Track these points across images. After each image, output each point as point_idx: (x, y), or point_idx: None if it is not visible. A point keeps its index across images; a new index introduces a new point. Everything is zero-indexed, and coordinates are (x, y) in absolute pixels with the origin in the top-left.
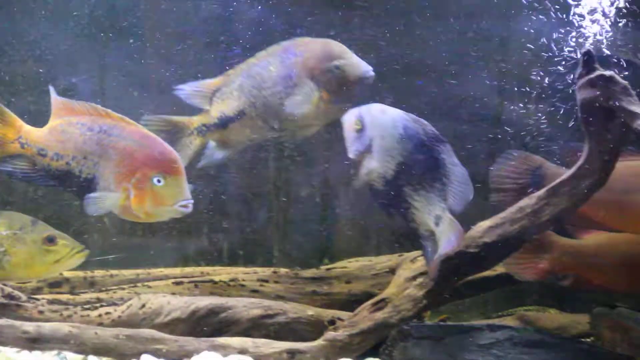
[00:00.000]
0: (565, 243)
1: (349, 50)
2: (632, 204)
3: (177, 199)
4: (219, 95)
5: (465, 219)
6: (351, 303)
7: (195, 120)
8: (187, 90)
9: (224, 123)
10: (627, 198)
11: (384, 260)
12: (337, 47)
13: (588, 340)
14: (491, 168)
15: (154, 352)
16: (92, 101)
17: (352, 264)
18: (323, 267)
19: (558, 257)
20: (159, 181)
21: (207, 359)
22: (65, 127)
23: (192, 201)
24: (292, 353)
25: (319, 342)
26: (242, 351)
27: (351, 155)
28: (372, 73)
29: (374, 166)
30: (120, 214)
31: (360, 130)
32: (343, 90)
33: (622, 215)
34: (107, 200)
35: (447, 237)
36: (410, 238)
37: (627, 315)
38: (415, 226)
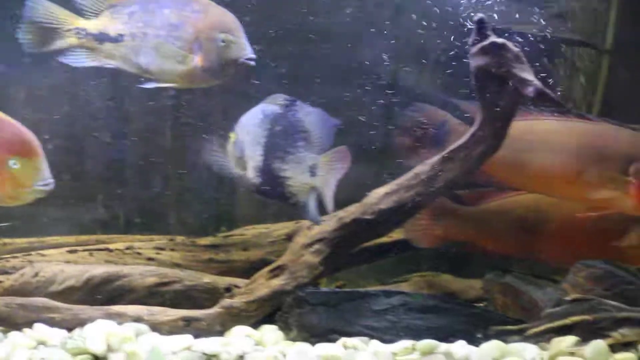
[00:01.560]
0: (459, 210)
1: (241, 30)
2: (530, 163)
3: (35, 180)
4: (112, 11)
5: (362, 186)
6: (248, 270)
7: (79, 22)
8: None
9: (101, 38)
10: (526, 157)
11: (281, 228)
12: (231, 22)
13: (481, 304)
14: (399, 119)
15: (47, 321)
16: None
17: (249, 232)
18: (220, 235)
19: (452, 223)
20: (15, 164)
21: (101, 327)
22: None
23: (51, 180)
24: (187, 320)
25: (215, 309)
26: (137, 319)
27: (236, 169)
28: (252, 60)
29: (251, 163)
30: None
31: (235, 140)
32: (219, 65)
33: (521, 174)
34: None
35: (332, 171)
36: None
37: (518, 280)
38: (296, 200)
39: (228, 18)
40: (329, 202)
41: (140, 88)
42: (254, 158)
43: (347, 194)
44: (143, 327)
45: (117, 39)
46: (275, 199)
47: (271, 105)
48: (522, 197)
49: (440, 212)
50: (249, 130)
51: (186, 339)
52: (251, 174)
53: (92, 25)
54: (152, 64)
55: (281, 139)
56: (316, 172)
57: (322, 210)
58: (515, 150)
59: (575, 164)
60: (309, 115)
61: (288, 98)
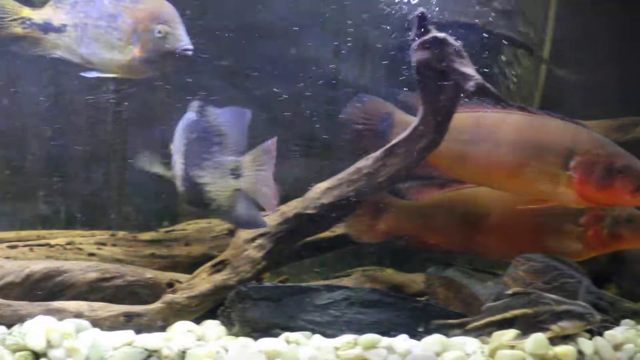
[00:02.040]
0: (401, 204)
1: (179, 21)
2: (473, 155)
3: None
4: (56, 1)
5: (304, 181)
6: (190, 265)
7: (26, 11)
8: None
9: (45, 28)
10: (470, 149)
11: (222, 223)
12: (169, 13)
13: (423, 298)
14: (344, 109)
15: None
16: None
17: (191, 227)
18: (162, 230)
19: (394, 218)
20: None
21: (41, 324)
22: None
23: None
24: (129, 316)
25: (157, 304)
26: (78, 315)
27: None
28: (189, 52)
29: (176, 173)
30: None
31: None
32: (157, 56)
33: (464, 166)
34: None
35: (261, 169)
36: None
37: (460, 274)
38: (217, 205)
39: (166, 9)
40: (269, 200)
41: (81, 82)
42: (177, 168)
43: (290, 189)
44: (84, 323)
45: (60, 29)
46: (199, 207)
47: (190, 113)
48: (463, 191)
49: (381, 207)
50: (174, 141)
51: (127, 334)
52: (177, 183)
53: (37, 15)
54: (93, 54)
55: (196, 146)
56: (240, 174)
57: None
58: (458, 142)
59: (517, 157)
60: (222, 118)
61: (200, 104)
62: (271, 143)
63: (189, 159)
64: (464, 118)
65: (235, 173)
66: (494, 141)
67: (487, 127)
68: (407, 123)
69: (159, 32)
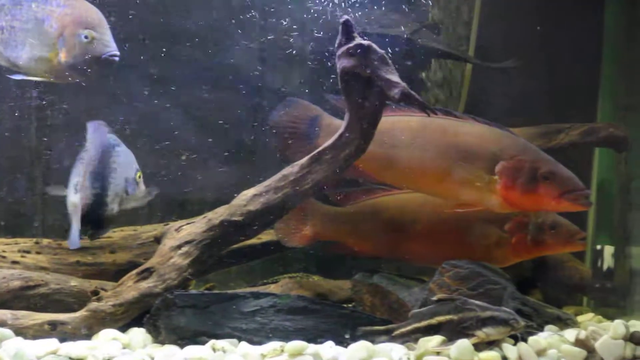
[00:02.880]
0: (327, 210)
1: (106, 26)
2: (399, 159)
3: None
4: None
5: (232, 188)
6: (116, 273)
7: None
8: None
9: None
10: (395, 153)
11: (149, 230)
12: (96, 18)
13: (350, 305)
14: (272, 113)
15: None
16: None
17: (116, 234)
18: (87, 237)
19: (320, 223)
20: None
21: None
22: None
23: None
24: (53, 324)
25: (82, 312)
26: (1, 323)
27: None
28: (116, 57)
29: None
30: None
31: None
32: (83, 61)
33: (390, 170)
34: None
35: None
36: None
37: (386, 281)
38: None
39: (93, 14)
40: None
41: (4, 89)
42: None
43: (216, 196)
44: (7, 331)
45: None
46: None
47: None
48: (390, 197)
49: (308, 212)
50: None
51: (52, 343)
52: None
53: None
54: (19, 57)
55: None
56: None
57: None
58: (385, 145)
59: (443, 161)
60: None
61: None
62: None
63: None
64: (390, 122)
65: (76, 188)
66: (420, 145)
67: (413, 131)
68: (333, 126)
69: (86, 37)
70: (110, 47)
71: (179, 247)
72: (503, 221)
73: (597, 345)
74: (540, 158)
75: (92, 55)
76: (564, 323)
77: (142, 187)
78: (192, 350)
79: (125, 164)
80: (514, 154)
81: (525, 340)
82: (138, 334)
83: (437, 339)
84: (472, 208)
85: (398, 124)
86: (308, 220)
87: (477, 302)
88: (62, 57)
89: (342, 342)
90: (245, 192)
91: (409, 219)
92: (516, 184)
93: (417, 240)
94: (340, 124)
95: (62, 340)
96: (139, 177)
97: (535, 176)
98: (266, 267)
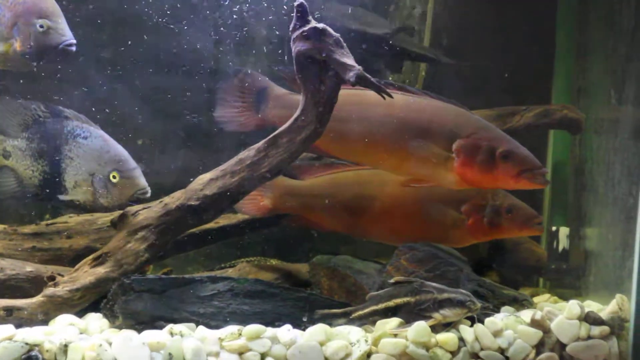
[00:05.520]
0: (287, 183)
1: (61, 15)
2: (350, 133)
3: None
4: None
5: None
6: (73, 259)
7: None
8: None
9: None
10: (346, 127)
11: (106, 215)
12: (51, 7)
13: (308, 289)
14: (220, 83)
15: None
16: None
17: (73, 219)
18: (43, 223)
19: (279, 195)
20: None
21: None
22: None
23: None
24: (9, 310)
25: (38, 298)
26: None
27: None
28: (73, 47)
29: None
30: None
31: None
32: (39, 50)
33: (342, 144)
34: None
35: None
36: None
37: (344, 263)
38: None
39: (47, 3)
40: None
41: None
42: None
43: (173, 180)
44: None
45: None
46: None
47: None
48: (350, 173)
49: (268, 184)
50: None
51: (8, 328)
52: None
53: None
54: None
55: None
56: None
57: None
58: (339, 120)
59: (400, 137)
60: None
61: None
62: None
63: None
64: (344, 96)
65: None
66: (375, 120)
67: (367, 106)
68: (282, 97)
69: (41, 26)
70: (66, 36)
71: (136, 232)
72: (460, 202)
73: (553, 325)
74: (498, 136)
75: (48, 44)
76: (520, 304)
77: (117, 192)
78: (149, 335)
79: (89, 158)
80: (471, 132)
81: (482, 322)
82: (95, 319)
83: (394, 321)
84: (427, 184)
85: (351, 98)
86: (268, 192)
87: (434, 284)
88: (17, 47)
89: (300, 326)
90: (201, 176)
91: (366, 195)
92: (473, 162)
93: (375, 217)
94: (290, 97)
95: (18, 326)
96: (113, 177)
97: (493, 154)
98: (224, 251)
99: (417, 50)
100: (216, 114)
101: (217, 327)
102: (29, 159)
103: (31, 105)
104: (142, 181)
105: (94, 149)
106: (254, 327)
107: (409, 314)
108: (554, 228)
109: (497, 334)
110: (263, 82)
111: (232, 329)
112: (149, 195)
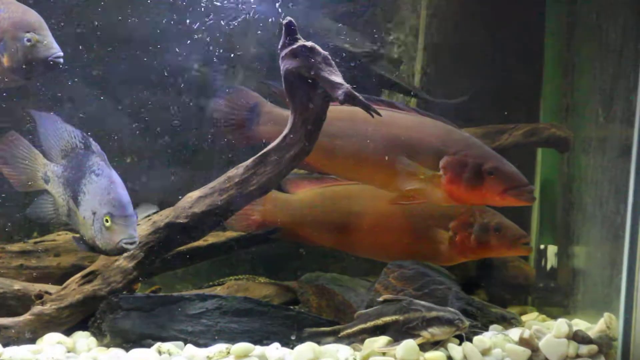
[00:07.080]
0: (276, 196)
1: (47, 29)
2: (338, 148)
3: None
4: None
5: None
6: (61, 277)
7: None
8: None
9: None
10: (335, 142)
11: None
12: (36, 21)
13: (296, 307)
14: (214, 99)
15: None
16: None
17: (61, 237)
18: (31, 241)
19: (269, 209)
20: None
21: None
22: None
23: None
24: None
25: (26, 316)
26: None
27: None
28: (60, 59)
29: None
30: None
31: None
32: (27, 64)
33: (330, 159)
34: None
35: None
36: None
37: (332, 282)
38: None
39: (33, 17)
40: None
41: None
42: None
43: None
44: None
45: None
46: None
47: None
48: (340, 187)
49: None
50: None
51: None
52: None
53: None
54: None
55: None
56: (48, 180)
57: None
58: (328, 135)
59: (388, 153)
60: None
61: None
62: None
63: None
64: (335, 112)
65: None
66: (364, 136)
67: (357, 122)
68: (273, 114)
69: (28, 40)
70: (54, 49)
71: None
72: (448, 220)
73: (541, 344)
74: (485, 153)
75: (35, 58)
76: (508, 322)
77: (108, 236)
78: (137, 353)
79: (95, 196)
80: (458, 149)
81: (470, 340)
82: (83, 337)
83: (383, 339)
84: (416, 202)
85: (340, 114)
86: (258, 206)
87: (422, 302)
88: (5, 62)
89: (288, 344)
90: (190, 194)
91: (355, 210)
92: (461, 179)
93: (362, 233)
94: (280, 112)
95: (6, 344)
96: (106, 220)
97: (480, 171)
98: (212, 269)
99: (394, 79)
100: (210, 130)
101: (205, 345)
102: (61, 187)
103: (73, 133)
104: (131, 231)
105: (100, 187)
106: (242, 346)
107: (398, 332)
108: (542, 246)
109: (485, 352)
110: (254, 97)
111: (220, 347)
112: (134, 246)
